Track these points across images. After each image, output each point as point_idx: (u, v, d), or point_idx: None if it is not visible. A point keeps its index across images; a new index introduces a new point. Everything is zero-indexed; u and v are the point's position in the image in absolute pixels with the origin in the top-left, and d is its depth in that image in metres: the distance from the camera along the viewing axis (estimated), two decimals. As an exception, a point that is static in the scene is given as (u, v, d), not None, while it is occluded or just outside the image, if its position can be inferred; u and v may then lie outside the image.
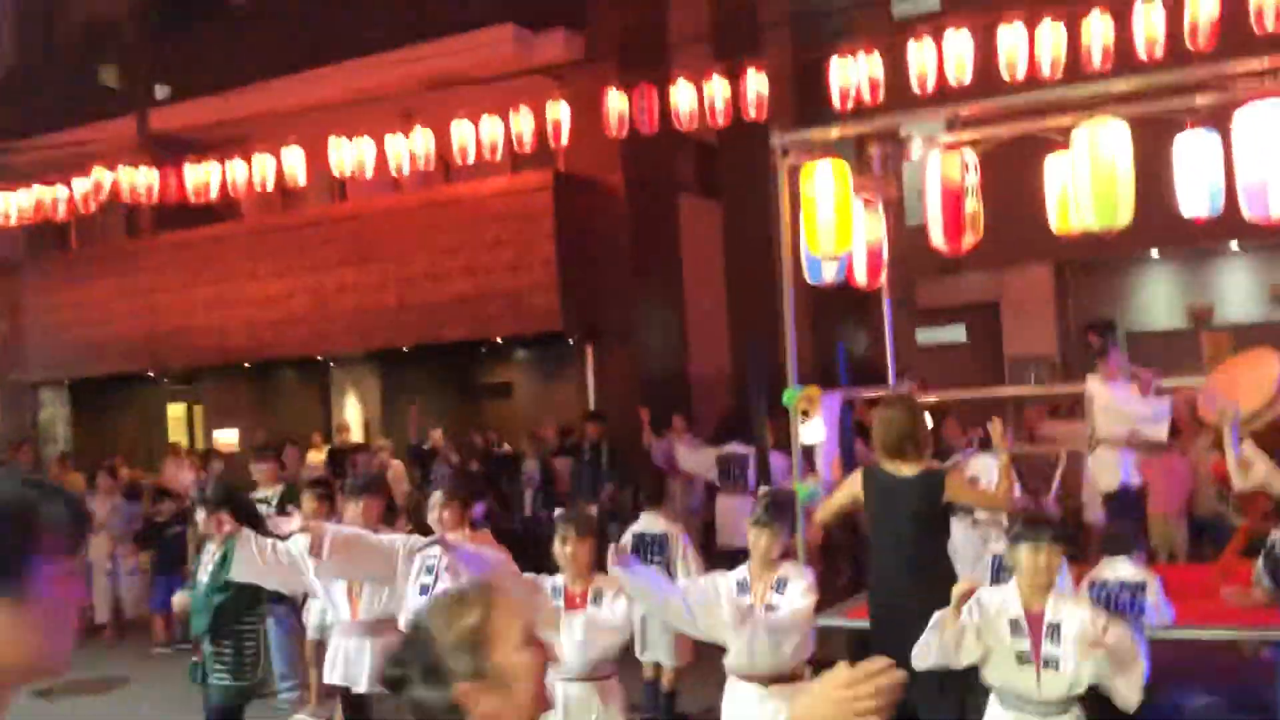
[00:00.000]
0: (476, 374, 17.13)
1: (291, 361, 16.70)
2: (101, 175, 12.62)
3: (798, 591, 4.66)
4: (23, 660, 1.54)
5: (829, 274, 7.08)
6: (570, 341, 14.83)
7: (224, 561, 5.33)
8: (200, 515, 5.58)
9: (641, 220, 14.30)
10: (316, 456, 15.66)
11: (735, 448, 10.49)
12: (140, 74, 16.22)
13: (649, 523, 7.34)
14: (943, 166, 6.72)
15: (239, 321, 15.43)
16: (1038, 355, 16.52)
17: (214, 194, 12.49)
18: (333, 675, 5.69)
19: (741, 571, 4.82)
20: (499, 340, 14.88)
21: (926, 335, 18.75)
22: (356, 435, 17.19)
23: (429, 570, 4.93)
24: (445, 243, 14.03)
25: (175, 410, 20.54)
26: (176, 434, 20.32)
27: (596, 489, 11.16)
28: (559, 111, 10.41)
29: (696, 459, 10.88)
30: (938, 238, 6.88)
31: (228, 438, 17.04)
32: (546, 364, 16.56)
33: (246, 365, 16.16)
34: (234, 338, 15.51)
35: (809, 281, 7.16)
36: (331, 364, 17.20)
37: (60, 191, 15.03)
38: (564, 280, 13.32)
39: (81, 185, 14.81)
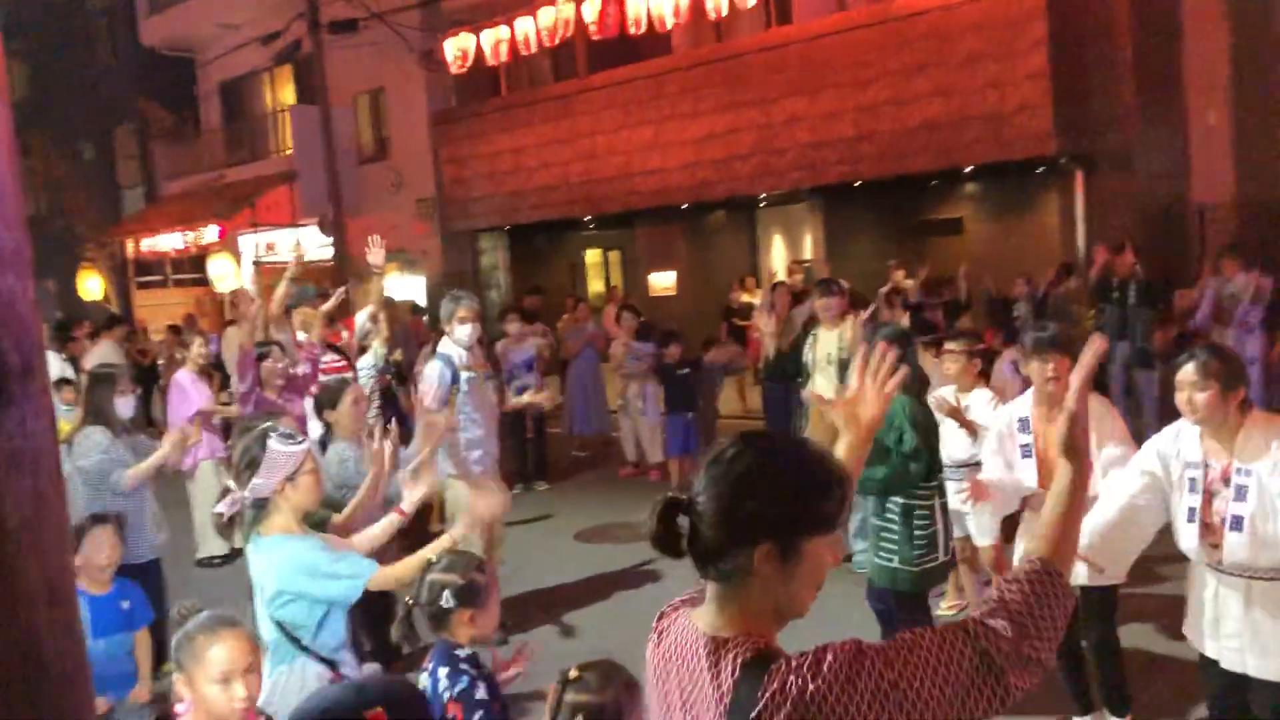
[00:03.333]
0: (921, 210, 15.74)
1: (722, 203, 16.05)
2: (561, 7, 12.15)
3: None
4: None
5: None
6: (1038, 171, 13.12)
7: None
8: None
9: (1142, 21, 12.14)
10: (752, 297, 15.09)
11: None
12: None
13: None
14: None
15: (679, 161, 14.85)
16: None
17: (644, 26, 11.78)
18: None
19: None
20: (949, 171, 13.38)
21: None
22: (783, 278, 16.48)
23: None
24: (909, 62, 12.58)
25: (592, 256, 20.75)
26: (594, 279, 20.58)
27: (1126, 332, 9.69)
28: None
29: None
30: None
31: (663, 281, 16.79)
32: (1001, 197, 14.92)
33: (683, 207, 15.63)
34: (674, 178, 14.98)
35: None
36: (762, 204, 16.41)
37: (501, 32, 14.89)
38: (1057, 96, 11.55)
39: (524, 25, 14.58)
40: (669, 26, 13.83)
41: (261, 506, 3.29)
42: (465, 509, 6.12)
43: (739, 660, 1.57)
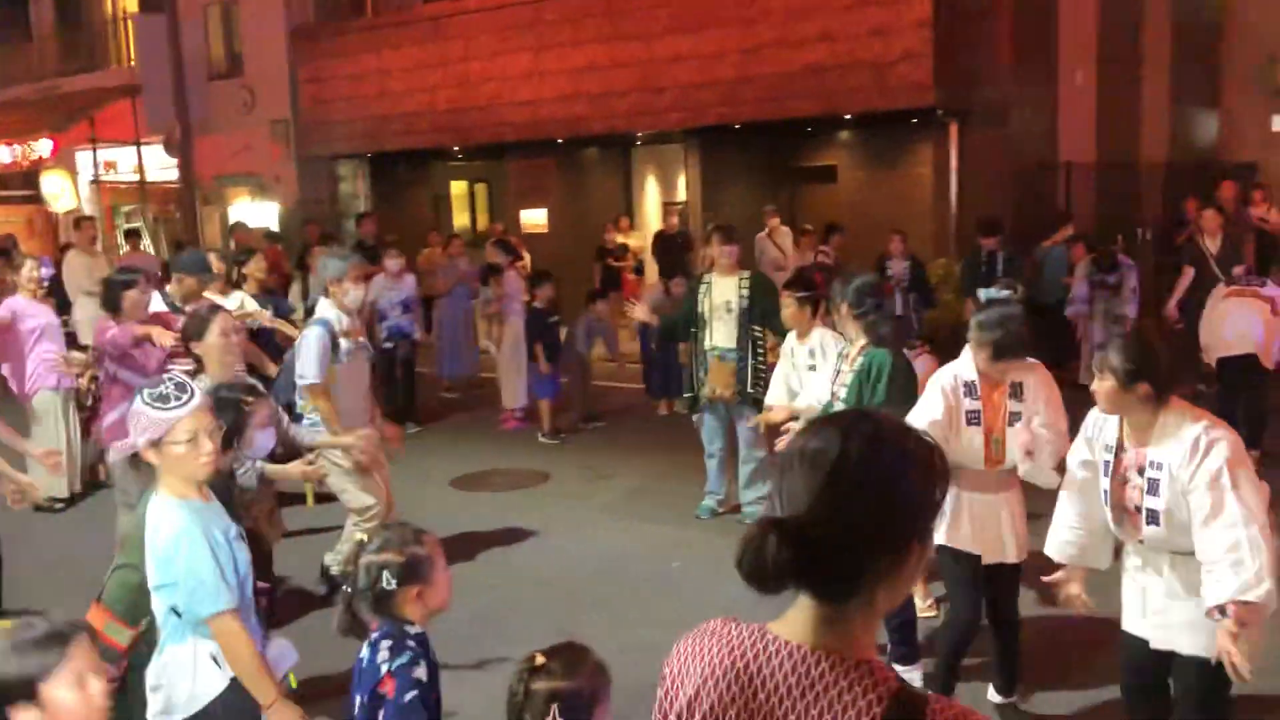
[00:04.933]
0: (795, 157, 15.70)
1: (597, 140, 15.66)
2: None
3: None
4: None
5: None
6: (913, 121, 13.19)
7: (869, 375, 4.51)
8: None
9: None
10: (626, 239, 14.86)
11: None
12: None
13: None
14: None
15: (555, 94, 14.37)
16: None
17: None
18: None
19: None
20: (826, 118, 13.32)
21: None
22: (656, 219, 16.29)
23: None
24: (795, 5, 12.40)
25: (458, 188, 20.10)
26: (459, 213, 19.95)
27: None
28: None
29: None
30: None
31: (534, 218, 16.34)
32: (875, 147, 14.99)
33: (558, 142, 15.17)
34: (549, 110, 14.50)
35: None
36: (638, 143, 16.09)
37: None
38: (938, 48, 11.56)
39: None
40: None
41: (140, 463, 2.99)
42: (341, 471, 5.77)
43: (880, 694, 1.39)
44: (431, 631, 2.77)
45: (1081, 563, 3.86)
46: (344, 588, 2.77)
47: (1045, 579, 4.01)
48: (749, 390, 6.84)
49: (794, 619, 1.47)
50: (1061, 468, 3.98)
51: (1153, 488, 3.42)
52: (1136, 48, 15.15)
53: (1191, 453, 3.31)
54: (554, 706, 2.29)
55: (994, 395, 4.24)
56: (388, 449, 6.17)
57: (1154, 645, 3.60)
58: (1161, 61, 15.58)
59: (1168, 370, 3.46)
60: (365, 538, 2.82)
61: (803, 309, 6.16)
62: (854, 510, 1.39)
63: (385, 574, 2.67)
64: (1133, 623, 3.69)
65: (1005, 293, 4.55)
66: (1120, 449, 3.57)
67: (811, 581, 1.42)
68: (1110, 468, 3.60)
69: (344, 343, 5.75)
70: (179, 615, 2.94)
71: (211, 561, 2.90)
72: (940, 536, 4.20)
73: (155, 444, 2.95)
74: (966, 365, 4.29)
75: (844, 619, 1.44)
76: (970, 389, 4.25)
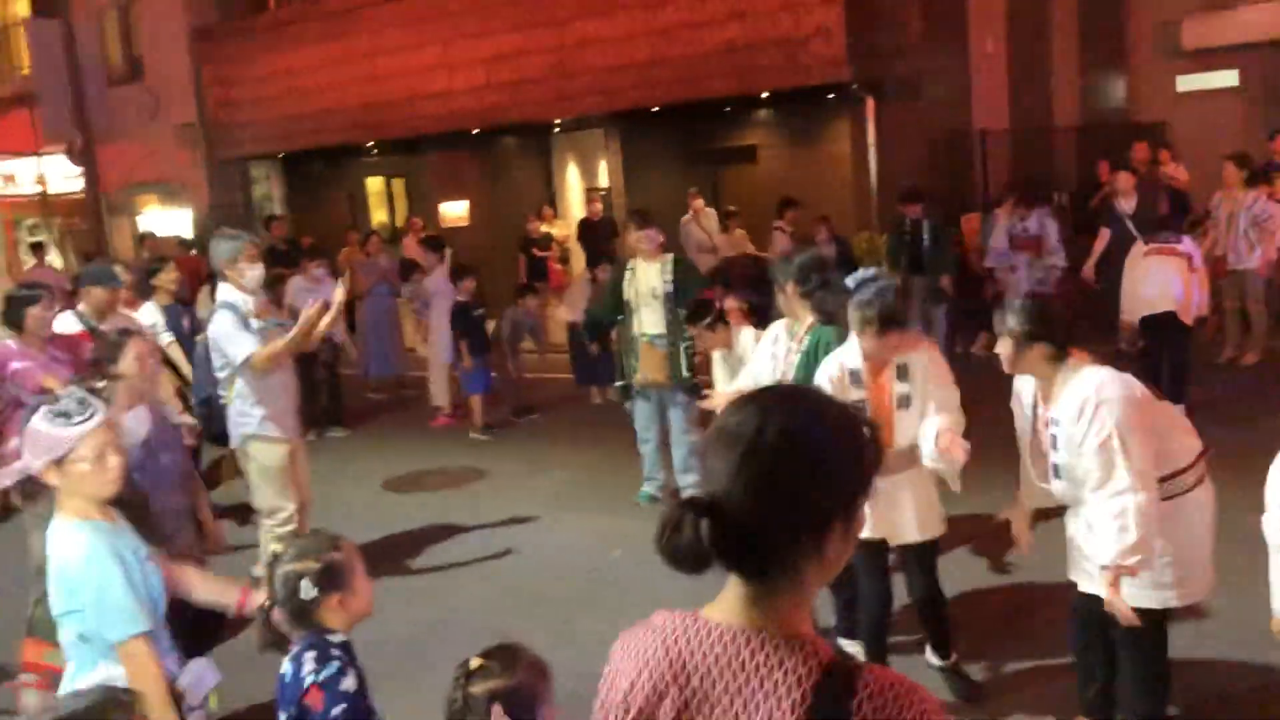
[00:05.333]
0: (715, 138, 15.65)
1: (515, 128, 15.47)
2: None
3: None
4: None
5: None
6: (830, 97, 13.21)
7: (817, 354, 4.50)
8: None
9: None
10: (550, 228, 14.71)
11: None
12: None
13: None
14: None
15: (467, 84, 14.15)
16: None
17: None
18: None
19: None
20: (743, 98, 13.28)
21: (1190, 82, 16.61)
22: (580, 207, 16.17)
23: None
24: (706, -16, 12.33)
25: (374, 184, 19.75)
26: (377, 209, 19.62)
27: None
28: None
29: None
30: None
31: (455, 211, 16.09)
32: (793, 125, 14.99)
33: (474, 133, 14.95)
34: (462, 101, 14.28)
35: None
36: (556, 130, 15.92)
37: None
38: (850, 22, 11.57)
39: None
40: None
41: (38, 487, 2.86)
42: (263, 470, 5.58)
43: (810, 667, 1.37)
44: (369, 638, 2.70)
45: (1028, 504, 3.98)
46: (263, 602, 2.66)
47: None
48: (683, 376, 6.78)
49: (724, 600, 1.45)
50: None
51: (1054, 443, 3.55)
52: (1044, 13, 15.36)
53: (1078, 414, 3.40)
54: (495, 706, 2.24)
55: (879, 379, 4.19)
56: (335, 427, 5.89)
57: (1082, 589, 3.70)
58: (1069, 27, 15.85)
59: (1064, 329, 3.54)
60: (279, 547, 2.69)
61: (715, 331, 6.10)
62: (770, 488, 1.35)
63: (304, 583, 2.56)
64: (1070, 569, 3.79)
65: (872, 270, 4.49)
66: (1036, 405, 3.68)
67: (732, 560, 1.40)
68: (1029, 421, 3.73)
69: (255, 323, 5.54)
70: (85, 642, 2.79)
71: (123, 583, 2.76)
72: None
73: (58, 463, 2.78)
74: (851, 353, 4.22)
75: (771, 596, 1.41)
76: (855, 377, 4.18)
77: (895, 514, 4.23)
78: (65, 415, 2.79)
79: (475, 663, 2.32)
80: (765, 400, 1.43)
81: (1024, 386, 3.75)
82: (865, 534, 4.19)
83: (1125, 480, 3.30)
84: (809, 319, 4.81)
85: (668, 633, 1.47)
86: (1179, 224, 8.62)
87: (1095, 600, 3.58)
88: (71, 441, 2.78)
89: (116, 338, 4.81)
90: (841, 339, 4.46)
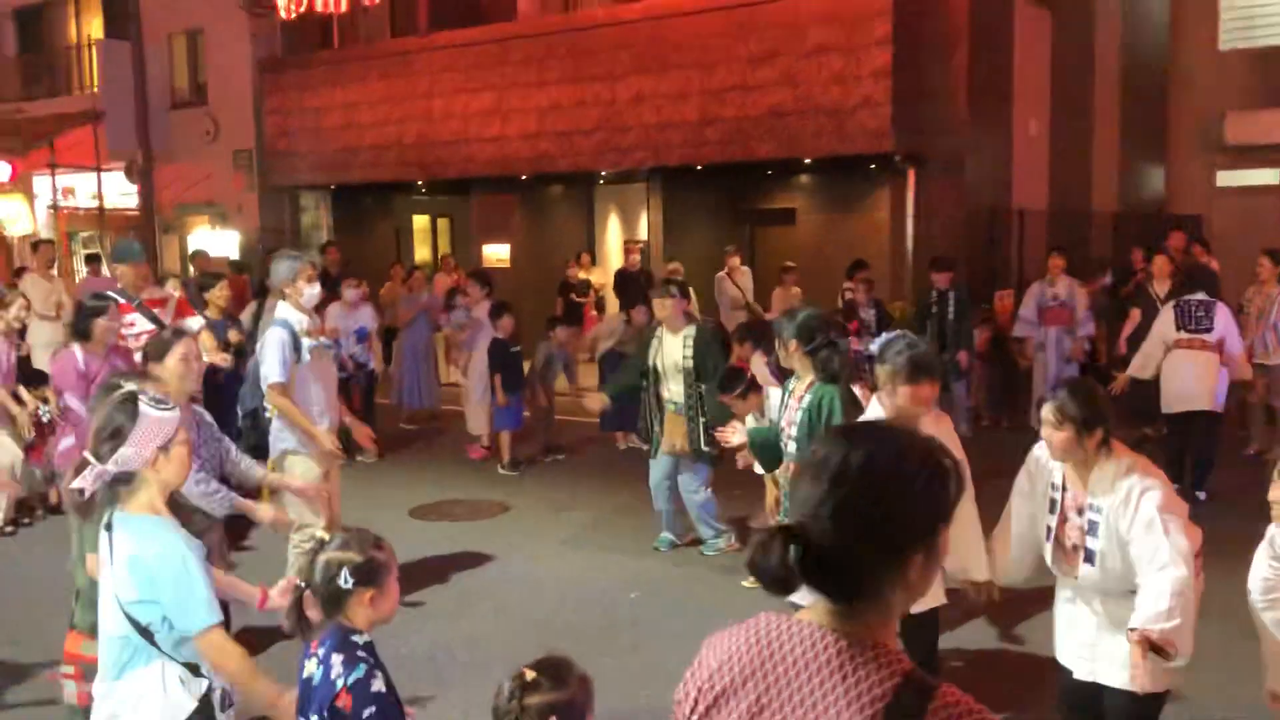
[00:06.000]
0: (756, 198, 15.93)
1: (562, 177, 15.82)
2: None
3: None
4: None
5: None
6: (872, 166, 13.46)
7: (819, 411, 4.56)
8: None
9: (978, 31, 12.58)
10: (588, 275, 14.96)
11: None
12: None
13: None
14: None
15: (520, 131, 14.53)
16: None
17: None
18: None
19: None
20: (786, 161, 13.52)
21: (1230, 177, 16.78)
22: (618, 257, 16.42)
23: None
24: (756, 50, 12.66)
25: (420, 222, 20.16)
26: (420, 246, 20.01)
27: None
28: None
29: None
30: None
31: (497, 253, 16.41)
32: (834, 191, 15.24)
33: (521, 178, 15.30)
34: (514, 147, 14.65)
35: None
36: (601, 181, 16.25)
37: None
38: (897, 96, 11.84)
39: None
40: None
41: (126, 481, 2.85)
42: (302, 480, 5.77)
43: (886, 679, 1.45)
44: (389, 659, 2.75)
45: (1001, 579, 4.07)
46: (299, 582, 2.75)
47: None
48: (702, 450, 6.92)
49: (817, 606, 1.54)
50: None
51: (1093, 529, 3.53)
52: (1088, 99, 15.60)
53: (1125, 502, 3.43)
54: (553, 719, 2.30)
55: None
56: (365, 452, 6.08)
57: (1077, 676, 3.69)
58: (1112, 114, 16.08)
59: (1114, 417, 3.56)
60: (327, 536, 2.79)
61: (746, 400, 6.12)
62: (853, 516, 1.45)
63: (344, 572, 2.65)
64: (1062, 653, 3.79)
65: (895, 333, 4.44)
66: (1063, 488, 3.65)
67: (817, 584, 1.48)
68: (1056, 505, 3.67)
69: (307, 341, 5.77)
70: (147, 635, 2.82)
71: (201, 575, 2.82)
72: None
73: (164, 448, 2.85)
74: (875, 413, 4.22)
75: (858, 614, 1.50)
76: None
77: None
78: (160, 401, 2.88)
79: (529, 675, 2.36)
80: (853, 433, 1.57)
81: (1049, 466, 3.71)
82: None
83: (1167, 556, 3.32)
84: (809, 377, 4.78)
85: (759, 627, 1.57)
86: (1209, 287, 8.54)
87: (1088, 687, 3.64)
88: (175, 423, 2.86)
89: (170, 336, 4.99)
90: (844, 397, 4.49)
